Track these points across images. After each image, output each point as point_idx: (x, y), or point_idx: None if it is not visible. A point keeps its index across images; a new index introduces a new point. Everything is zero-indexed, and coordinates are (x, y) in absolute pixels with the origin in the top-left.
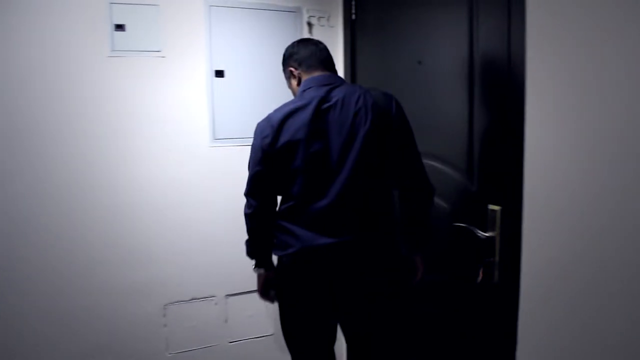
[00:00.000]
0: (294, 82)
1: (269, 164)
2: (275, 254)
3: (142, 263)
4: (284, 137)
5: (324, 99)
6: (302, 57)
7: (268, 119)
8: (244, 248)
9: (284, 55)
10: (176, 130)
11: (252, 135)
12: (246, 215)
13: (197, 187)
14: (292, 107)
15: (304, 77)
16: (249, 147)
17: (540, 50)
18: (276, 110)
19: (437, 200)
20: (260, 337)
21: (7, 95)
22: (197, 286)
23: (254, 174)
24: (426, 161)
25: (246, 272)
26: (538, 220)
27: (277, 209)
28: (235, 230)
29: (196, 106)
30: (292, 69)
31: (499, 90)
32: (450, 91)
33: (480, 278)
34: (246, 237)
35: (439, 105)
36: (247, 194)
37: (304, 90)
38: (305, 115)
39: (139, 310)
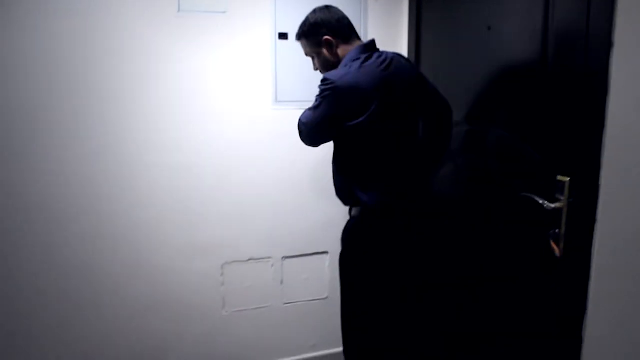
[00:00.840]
0: (327, 52)
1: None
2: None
3: (202, 223)
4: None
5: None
6: (337, 26)
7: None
8: (302, 211)
9: (313, 25)
10: (239, 92)
11: (313, 99)
12: None
13: (258, 149)
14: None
15: (342, 47)
16: None
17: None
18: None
19: (501, 169)
20: (315, 300)
21: (80, 51)
22: (254, 247)
23: None
24: (491, 129)
25: (303, 235)
26: (617, 193)
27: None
28: (294, 193)
29: (259, 68)
30: (328, 37)
31: (576, 55)
32: (521, 57)
33: (543, 251)
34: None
35: (508, 72)
36: None
37: (356, 60)
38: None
39: (198, 268)
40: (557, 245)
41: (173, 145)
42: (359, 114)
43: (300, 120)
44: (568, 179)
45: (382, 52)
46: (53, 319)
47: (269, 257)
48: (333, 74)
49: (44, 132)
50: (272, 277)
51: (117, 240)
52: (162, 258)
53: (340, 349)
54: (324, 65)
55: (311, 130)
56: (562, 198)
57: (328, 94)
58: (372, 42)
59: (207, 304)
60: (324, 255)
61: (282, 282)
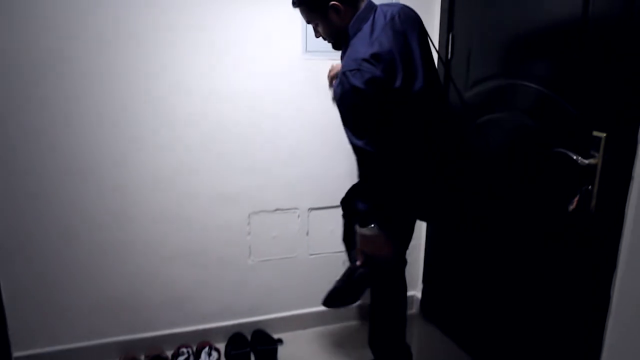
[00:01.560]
0: (336, 17)
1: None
2: None
3: (229, 173)
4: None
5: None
6: None
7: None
8: (330, 163)
9: None
10: (268, 40)
11: None
12: None
13: (287, 99)
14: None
15: (349, 8)
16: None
17: None
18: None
19: (534, 124)
20: (340, 252)
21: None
22: (281, 198)
23: None
24: (525, 83)
25: (330, 187)
26: None
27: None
28: (323, 144)
29: (289, 17)
30: (336, 3)
31: (618, 7)
32: (560, 9)
33: (573, 207)
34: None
35: (545, 24)
36: None
37: (365, 21)
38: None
39: (224, 218)
40: (589, 202)
41: (203, 94)
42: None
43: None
44: (604, 134)
45: (384, 6)
46: (83, 267)
47: (296, 208)
48: (360, 51)
49: (80, 77)
50: (298, 228)
51: (145, 190)
52: (189, 207)
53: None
54: (330, 31)
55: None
56: (596, 154)
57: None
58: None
59: (234, 253)
60: None
61: (307, 234)
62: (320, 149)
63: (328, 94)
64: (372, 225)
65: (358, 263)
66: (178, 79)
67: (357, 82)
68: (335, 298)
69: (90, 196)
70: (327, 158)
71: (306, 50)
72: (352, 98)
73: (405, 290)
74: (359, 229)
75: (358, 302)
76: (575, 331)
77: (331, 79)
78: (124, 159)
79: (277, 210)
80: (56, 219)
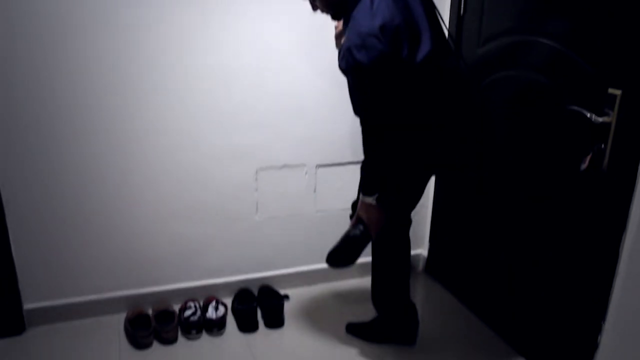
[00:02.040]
0: None
1: None
2: None
3: (237, 128)
4: None
5: None
6: None
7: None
8: (339, 120)
9: None
10: None
11: None
12: None
13: (295, 53)
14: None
15: None
16: None
17: None
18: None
19: (548, 82)
20: (347, 209)
21: None
22: (289, 154)
23: None
24: (539, 39)
25: (338, 144)
26: None
27: None
28: (331, 101)
29: None
30: None
31: None
32: None
33: (585, 166)
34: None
35: None
36: None
37: None
38: None
39: (232, 173)
40: (601, 161)
41: (208, 48)
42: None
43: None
44: (620, 92)
45: None
46: (92, 222)
47: (303, 165)
48: (363, 25)
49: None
50: (305, 185)
51: (153, 146)
52: (196, 161)
53: (370, 258)
54: (327, 3)
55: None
56: (611, 112)
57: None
58: None
59: (241, 209)
60: (358, 165)
61: (315, 190)
62: (328, 105)
63: (335, 50)
64: (372, 196)
65: (351, 225)
66: (182, 31)
67: (362, 58)
68: (334, 257)
69: (99, 152)
70: (336, 115)
71: None
72: (358, 74)
73: (408, 249)
74: (361, 196)
75: (358, 261)
76: (582, 291)
77: (337, 38)
78: (131, 115)
79: (284, 166)
80: (65, 174)
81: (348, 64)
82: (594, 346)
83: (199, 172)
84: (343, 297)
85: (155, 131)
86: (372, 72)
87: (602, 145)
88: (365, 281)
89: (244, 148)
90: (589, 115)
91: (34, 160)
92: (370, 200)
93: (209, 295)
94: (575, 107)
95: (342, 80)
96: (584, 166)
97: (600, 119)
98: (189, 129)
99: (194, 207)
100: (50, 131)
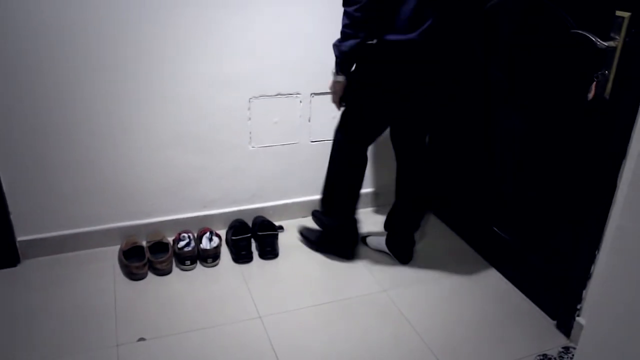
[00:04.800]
0: None
1: None
2: None
3: (228, 54)
4: None
5: None
6: None
7: None
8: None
9: None
10: None
11: None
12: None
13: None
14: None
15: None
16: None
17: None
18: None
19: (552, 4)
20: None
21: None
22: (283, 82)
23: None
24: None
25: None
26: None
27: None
28: (327, 27)
29: None
30: None
31: None
32: None
33: (592, 94)
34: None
35: None
36: None
37: None
38: None
39: (224, 101)
40: (604, 87)
41: None
42: None
43: None
44: (629, 14)
45: None
46: (83, 153)
47: (298, 93)
48: None
49: None
50: (299, 114)
51: (143, 75)
52: (187, 89)
53: (366, 189)
54: None
55: None
56: (617, 37)
57: None
58: None
59: (234, 138)
60: None
61: (309, 120)
62: (324, 31)
63: None
64: (339, 74)
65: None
66: None
67: None
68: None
69: (88, 81)
70: (332, 41)
71: None
72: None
73: (361, 165)
74: (333, 75)
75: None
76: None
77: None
78: (123, 41)
79: (278, 94)
80: (55, 105)
81: None
82: (586, 276)
83: (191, 102)
84: None
85: (146, 59)
86: None
87: (606, 71)
88: (360, 211)
89: (235, 76)
90: (594, 39)
91: (21, 90)
92: (340, 78)
93: (203, 227)
94: (580, 31)
95: (338, 4)
96: (590, 95)
97: (605, 44)
98: (179, 57)
99: (187, 137)
100: (39, 60)
